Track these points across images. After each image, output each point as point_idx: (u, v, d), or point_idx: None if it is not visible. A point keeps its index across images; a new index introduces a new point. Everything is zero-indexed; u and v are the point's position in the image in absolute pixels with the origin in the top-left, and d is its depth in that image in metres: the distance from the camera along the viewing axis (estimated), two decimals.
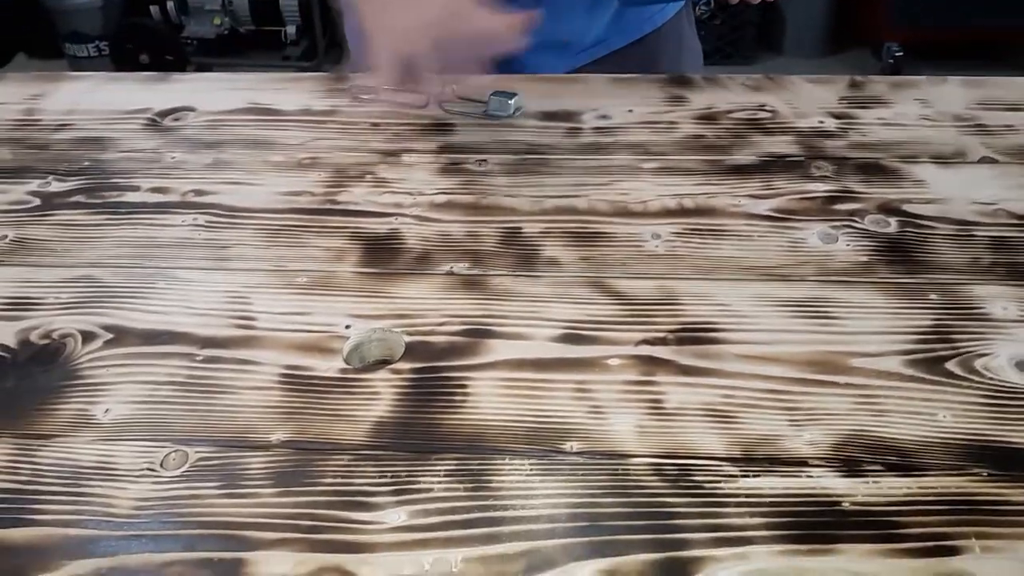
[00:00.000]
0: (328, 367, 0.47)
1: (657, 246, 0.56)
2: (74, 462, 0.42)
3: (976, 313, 0.50)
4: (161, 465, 0.42)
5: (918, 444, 0.42)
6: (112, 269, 0.55)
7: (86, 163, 0.67)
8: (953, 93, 0.74)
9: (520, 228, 0.58)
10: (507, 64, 0.80)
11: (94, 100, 0.77)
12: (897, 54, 2.70)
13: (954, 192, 0.61)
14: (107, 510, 0.40)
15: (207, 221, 0.60)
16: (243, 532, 0.38)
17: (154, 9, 2.72)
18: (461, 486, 0.40)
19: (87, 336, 0.50)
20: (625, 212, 0.59)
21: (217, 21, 2.71)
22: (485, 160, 0.66)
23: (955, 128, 0.69)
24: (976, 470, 0.40)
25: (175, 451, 0.42)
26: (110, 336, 0.50)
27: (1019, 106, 0.71)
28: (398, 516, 0.39)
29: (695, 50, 0.95)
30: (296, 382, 0.46)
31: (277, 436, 0.43)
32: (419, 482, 0.40)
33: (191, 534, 0.38)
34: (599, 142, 0.68)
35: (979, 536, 0.37)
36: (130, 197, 0.63)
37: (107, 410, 0.45)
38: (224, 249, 0.57)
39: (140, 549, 0.38)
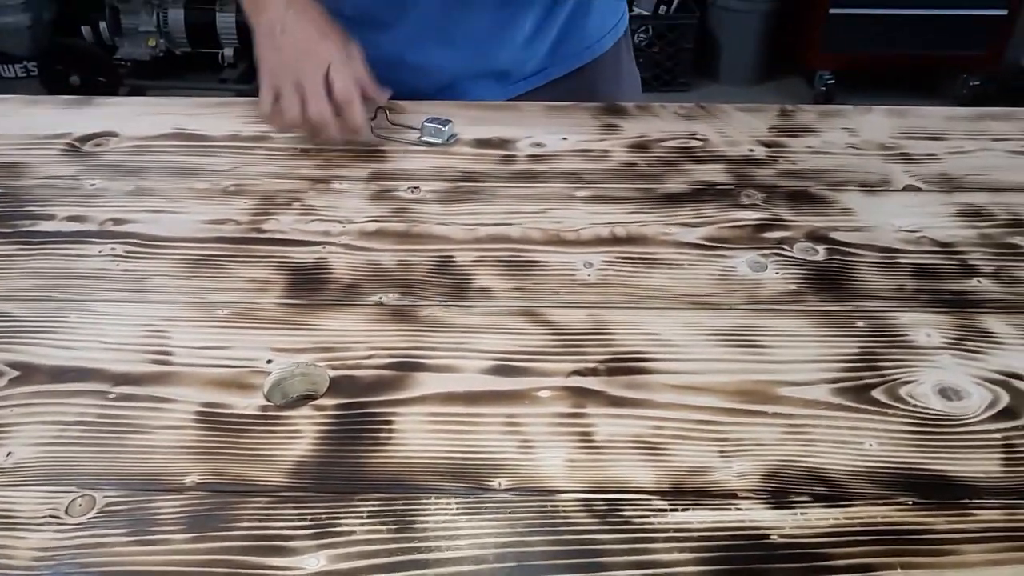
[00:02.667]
0: (248, 404, 0.45)
1: (589, 275, 0.55)
2: None
3: (901, 340, 0.50)
4: (66, 512, 0.39)
5: (845, 474, 0.42)
6: (21, 302, 0.52)
7: None
8: (878, 122, 0.76)
9: (452, 257, 0.57)
10: (445, 91, 0.80)
11: (11, 124, 0.74)
12: (829, 82, 2.78)
13: (880, 220, 0.62)
14: (4, 562, 0.37)
15: (125, 251, 0.57)
16: None
17: (86, 29, 2.65)
18: (384, 527, 0.39)
19: None
20: (558, 240, 0.59)
21: (152, 43, 2.65)
22: (417, 187, 0.65)
23: (880, 157, 0.70)
24: (902, 499, 0.41)
25: (81, 496, 0.40)
26: (16, 374, 0.47)
27: (940, 135, 0.73)
28: (317, 561, 0.37)
29: (634, 75, 0.96)
30: (213, 420, 0.44)
31: (192, 478, 0.41)
32: (340, 524, 0.39)
33: None
34: (533, 170, 0.68)
35: (904, 566, 0.37)
36: (44, 226, 0.60)
37: (9, 453, 0.42)
38: (142, 280, 0.54)
39: None
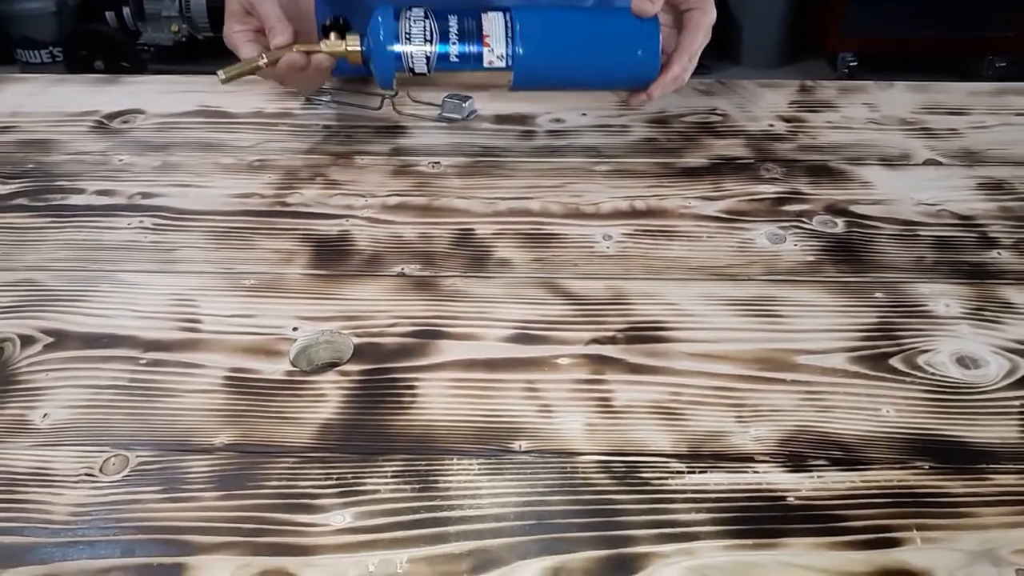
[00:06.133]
0: (275, 369, 0.46)
1: (608, 247, 0.56)
2: (9, 468, 0.41)
3: (919, 310, 0.50)
4: (100, 470, 0.41)
5: (862, 439, 0.42)
6: (54, 272, 0.54)
7: (30, 166, 0.66)
8: (899, 97, 0.76)
9: (473, 230, 0.58)
10: None
11: (40, 102, 0.76)
12: (852, 64, 2.76)
13: (900, 193, 0.62)
14: (43, 516, 0.38)
15: (154, 224, 0.59)
16: (184, 536, 0.37)
17: (110, 15, 2.68)
18: (408, 487, 0.40)
19: (26, 340, 0.48)
20: (577, 214, 0.60)
21: (174, 28, 2.67)
22: (438, 162, 0.66)
23: (901, 131, 0.70)
24: (918, 463, 0.41)
25: (115, 455, 0.41)
26: (50, 340, 0.48)
27: (962, 110, 0.73)
28: (343, 518, 0.38)
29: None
30: (241, 385, 0.45)
31: (221, 439, 0.42)
32: (365, 484, 0.40)
33: (130, 539, 0.37)
34: (552, 145, 0.68)
35: (920, 528, 0.38)
36: (75, 200, 0.61)
37: (45, 415, 0.44)
38: (171, 252, 0.56)
39: (77, 556, 0.37)
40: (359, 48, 0.62)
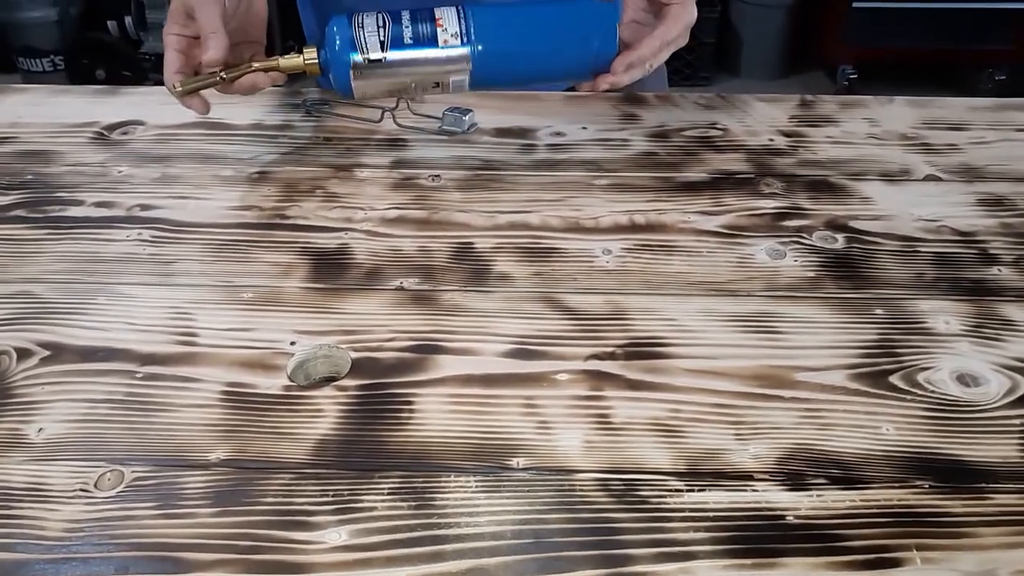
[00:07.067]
0: (271, 384, 0.46)
1: (608, 262, 0.56)
2: (3, 483, 0.40)
3: (919, 327, 0.50)
4: (95, 485, 0.40)
5: (861, 457, 0.42)
6: (51, 285, 0.54)
7: (29, 177, 0.66)
8: (899, 113, 0.76)
9: (472, 244, 0.58)
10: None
11: (39, 113, 0.75)
12: (852, 76, 2.76)
13: (900, 209, 0.62)
14: (37, 533, 0.38)
15: (152, 236, 0.58)
16: (179, 553, 0.37)
17: (111, 24, 2.68)
18: (405, 504, 0.39)
19: (22, 353, 0.48)
20: (577, 228, 0.59)
21: None
22: (438, 176, 0.66)
23: (901, 147, 0.70)
24: (918, 482, 0.41)
25: (110, 471, 0.41)
26: (46, 353, 0.48)
27: (962, 126, 0.73)
28: (339, 535, 0.38)
29: (659, 72, 0.95)
30: (238, 400, 0.45)
31: (217, 455, 0.42)
32: (362, 501, 0.39)
33: (124, 556, 0.37)
34: (553, 158, 0.68)
35: (920, 548, 0.38)
36: (73, 211, 0.61)
37: (40, 429, 0.43)
38: (169, 264, 0.56)
39: (70, 572, 0.36)
40: (316, 60, 0.63)
